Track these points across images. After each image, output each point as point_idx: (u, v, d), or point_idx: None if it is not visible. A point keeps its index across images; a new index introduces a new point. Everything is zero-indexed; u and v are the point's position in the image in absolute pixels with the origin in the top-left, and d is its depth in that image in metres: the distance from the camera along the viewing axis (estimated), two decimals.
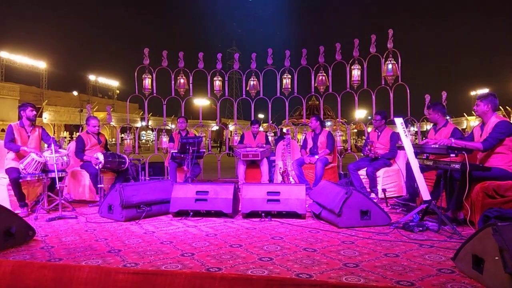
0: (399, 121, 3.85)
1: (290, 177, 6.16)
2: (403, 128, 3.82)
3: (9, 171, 4.66)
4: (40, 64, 37.61)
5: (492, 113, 3.90)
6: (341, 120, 8.67)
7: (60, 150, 4.92)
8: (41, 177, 4.72)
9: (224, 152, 9.67)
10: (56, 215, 4.36)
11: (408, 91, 7.39)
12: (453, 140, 3.78)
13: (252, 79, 8.22)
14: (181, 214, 4.37)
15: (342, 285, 2.27)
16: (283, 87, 8.16)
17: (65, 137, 27.34)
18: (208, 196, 4.35)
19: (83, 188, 5.61)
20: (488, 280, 2.19)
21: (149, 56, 7.97)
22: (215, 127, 13.18)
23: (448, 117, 5.35)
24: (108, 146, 6.18)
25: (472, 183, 3.58)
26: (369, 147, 5.70)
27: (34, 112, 5.10)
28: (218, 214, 4.33)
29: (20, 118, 5.06)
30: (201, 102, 10.27)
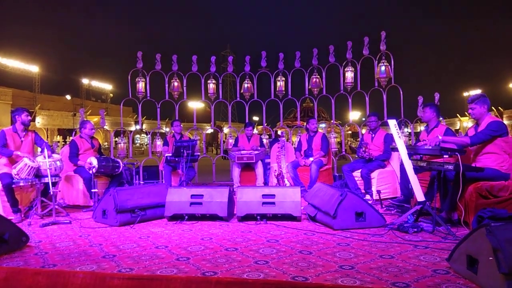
0: (392, 122, 3.87)
1: (285, 180, 6.16)
2: (397, 129, 3.84)
3: (1, 176, 4.61)
4: (32, 68, 37.33)
5: (487, 113, 3.92)
6: (335, 122, 8.70)
7: (53, 154, 4.89)
8: (34, 182, 4.67)
9: (218, 155, 9.66)
10: (50, 221, 4.33)
11: (401, 92, 7.44)
12: (440, 137, 3.80)
13: (246, 81, 8.23)
14: (176, 218, 4.36)
15: None
16: (277, 89, 8.18)
17: (59, 142, 27.16)
18: (203, 199, 4.34)
19: (77, 193, 5.58)
20: (482, 280, 2.21)
21: (143, 60, 7.95)
22: (209, 130, 13.15)
23: (441, 118, 5.38)
24: (102, 150, 6.15)
25: (465, 184, 3.60)
26: (363, 148, 5.72)
27: (29, 117, 5.08)
28: (213, 217, 4.32)
29: (13, 123, 5.02)
30: (195, 105, 10.25)
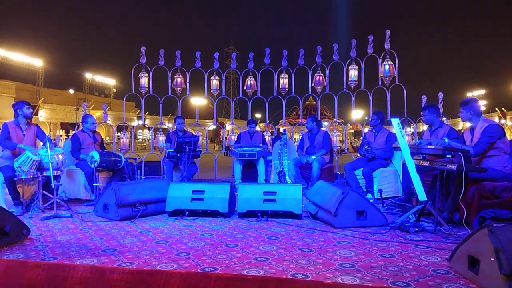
0: (395, 121, 3.85)
1: (287, 177, 6.15)
2: (400, 128, 3.82)
3: (3, 169, 4.62)
4: (36, 62, 37.40)
5: (477, 117, 3.91)
6: (338, 121, 8.67)
7: (55, 148, 4.89)
8: (36, 176, 4.68)
9: (220, 152, 9.65)
10: (51, 214, 4.34)
11: (405, 91, 7.41)
12: (446, 141, 3.78)
13: (249, 78, 8.21)
14: (177, 213, 4.36)
15: (337, 286, 2.26)
16: (280, 87, 8.16)
17: (61, 136, 27.23)
18: (204, 195, 4.33)
19: (79, 187, 5.59)
20: (483, 281, 2.20)
21: (146, 55, 7.94)
22: (212, 127, 13.17)
23: (444, 118, 5.36)
24: (104, 144, 6.15)
25: (468, 184, 3.58)
26: (366, 147, 5.70)
27: (31, 110, 5.08)
28: (214, 213, 4.32)
29: (15, 116, 5.02)
30: (198, 101, 10.26)
